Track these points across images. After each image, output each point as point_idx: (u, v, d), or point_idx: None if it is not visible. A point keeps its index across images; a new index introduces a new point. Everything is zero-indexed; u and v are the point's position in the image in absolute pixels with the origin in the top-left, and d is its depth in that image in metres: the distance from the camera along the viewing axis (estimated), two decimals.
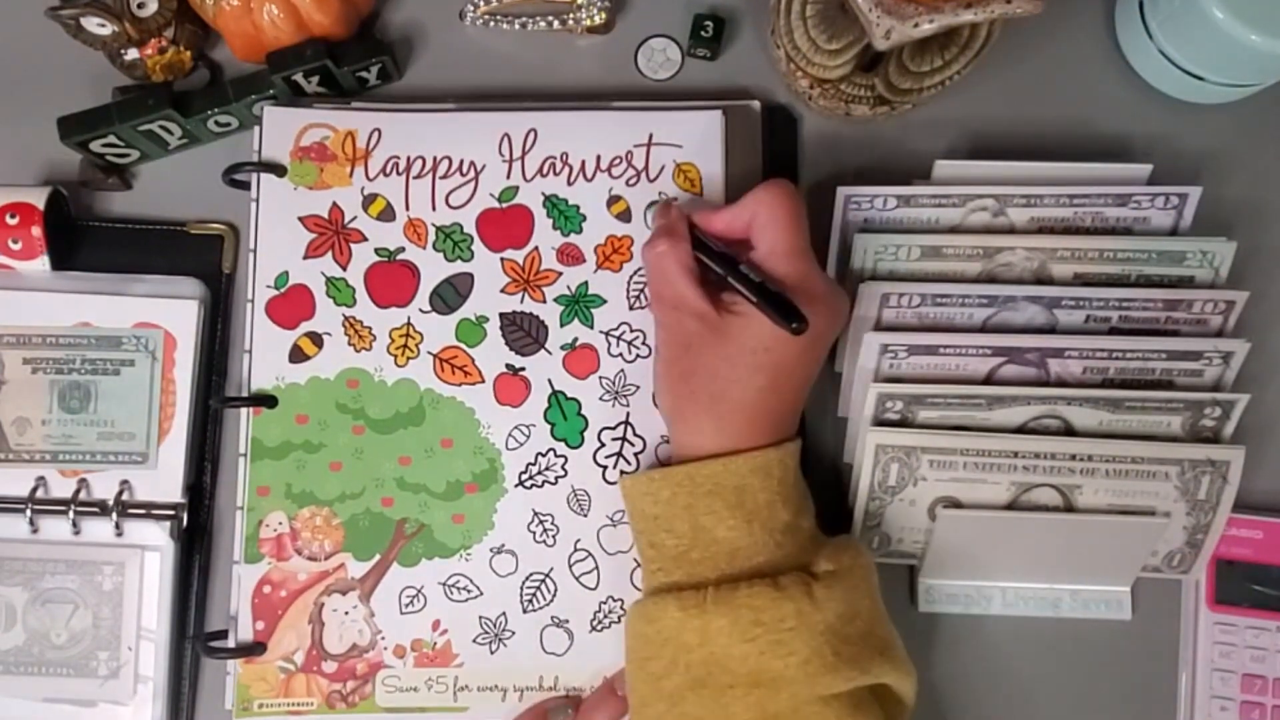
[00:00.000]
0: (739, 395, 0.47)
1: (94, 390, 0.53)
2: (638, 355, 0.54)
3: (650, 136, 0.56)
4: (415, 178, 0.56)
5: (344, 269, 0.55)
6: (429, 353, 0.54)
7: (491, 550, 0.53)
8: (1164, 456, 0.51)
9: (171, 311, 0.54)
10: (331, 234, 0.55)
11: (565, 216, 0.55)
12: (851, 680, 0.44)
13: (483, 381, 0.54)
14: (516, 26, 0.59)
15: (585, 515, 0.53)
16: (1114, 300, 0.51)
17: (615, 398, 0.54)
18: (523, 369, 0.54)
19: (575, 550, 0.53)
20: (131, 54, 0.56)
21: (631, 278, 0.55)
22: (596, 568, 0.53)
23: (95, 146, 0.55)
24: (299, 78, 0.55)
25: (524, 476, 0.54)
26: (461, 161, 0.56)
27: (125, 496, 0.53)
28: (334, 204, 0.55)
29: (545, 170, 0.56)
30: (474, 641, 0.52)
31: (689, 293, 0.48)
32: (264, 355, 0.54)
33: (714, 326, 0.48)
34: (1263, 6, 0.51)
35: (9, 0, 0.59)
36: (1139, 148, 0.58)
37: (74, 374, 0.53)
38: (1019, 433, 0.51)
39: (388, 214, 0.55)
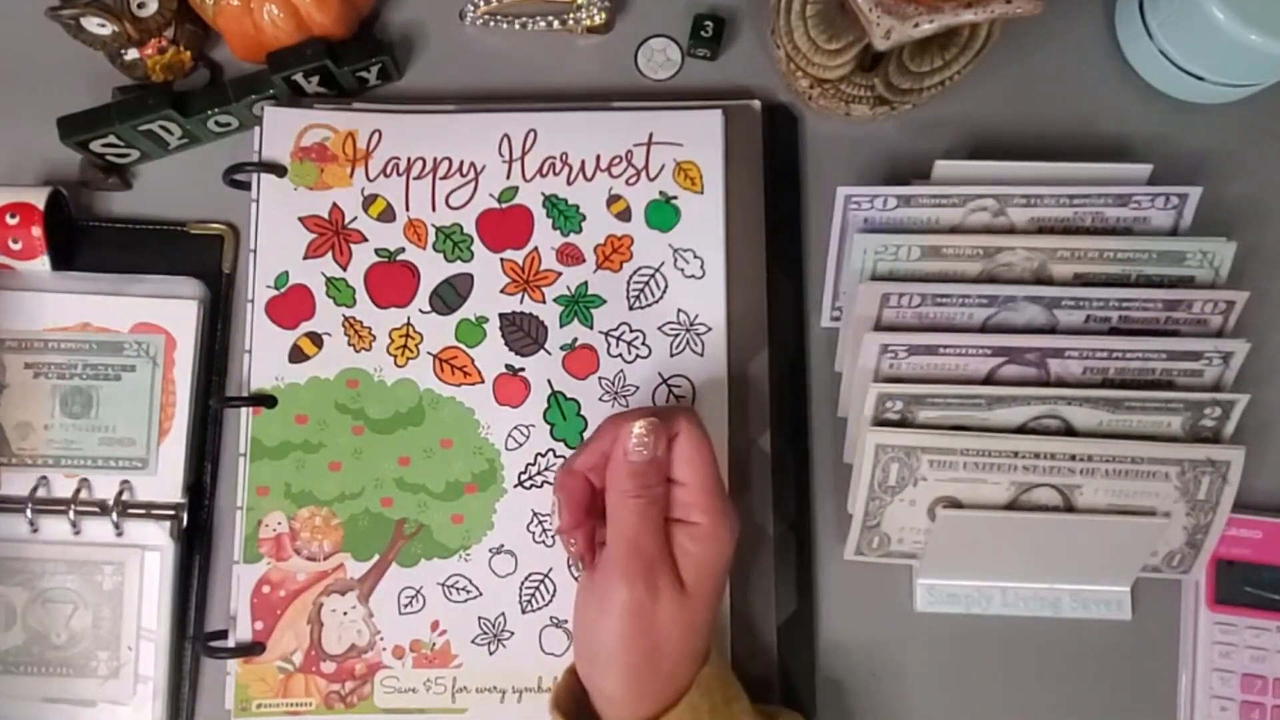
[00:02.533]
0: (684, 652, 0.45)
1: (95, 396, 0.53)
2: (637, 356, 0.54)
3: (650, 136, 0.56)
4: (415, 178, 0.56)
5: (344, 269, 0.55)
6: (429, 353, 0.54)
7: (491, 550, 0.53)
8: (1164, 456, 0.51)
9: (171, 312, 0.54)
10: (331, 234, 0.55)
11: (565, 216, 0.55)
12: None
13: (482, 382, 0.54)
14: (516, 26, 0.59)
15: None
16: (1114, 300, 0.51)
17: (615, 398, 0.54)
18: (522, 369, 0.54)
19: None
20: (131, 54, 0.56)
21: (631, 277, 0.55)
22: None
23: (95, 146, 0.55)
24: (299, 78, 0.55)
25: (523, 477, 0.54)
26: (461, 162, 0.56)
27: (125, 496, 0.53)
28: (334, 204, 0.55)
29: (545, 170, 0.56)
30: (473, 642, 0.52)
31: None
32: (264, 355, 0.54)
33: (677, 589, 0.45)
34: (1263, 6, 0.51)
35: (9, 0, 0.59)
36: (1139, 148, 0.58)
37: (75, 379, 0.53)
38: (1019, 433, 0.51)
39: (388, 214, 0.55)
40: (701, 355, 0.54)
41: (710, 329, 0.54)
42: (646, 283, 0.55)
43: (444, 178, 0.56)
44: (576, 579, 0.52)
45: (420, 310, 0.55)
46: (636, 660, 0.45)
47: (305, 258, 0.55)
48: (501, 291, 0.55)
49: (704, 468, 0.45)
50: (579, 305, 0.55)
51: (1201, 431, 0.52)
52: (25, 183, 0.57)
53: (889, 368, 0.51)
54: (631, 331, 0.54)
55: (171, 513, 0.53)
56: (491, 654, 0.52)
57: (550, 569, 0.53)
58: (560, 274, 0.55)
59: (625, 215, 0.55)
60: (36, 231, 0.54)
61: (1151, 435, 0.51)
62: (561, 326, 0.55)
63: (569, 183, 0.56)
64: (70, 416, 0.53)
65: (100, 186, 0.57)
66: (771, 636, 0.53)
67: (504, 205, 0.56)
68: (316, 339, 0.54)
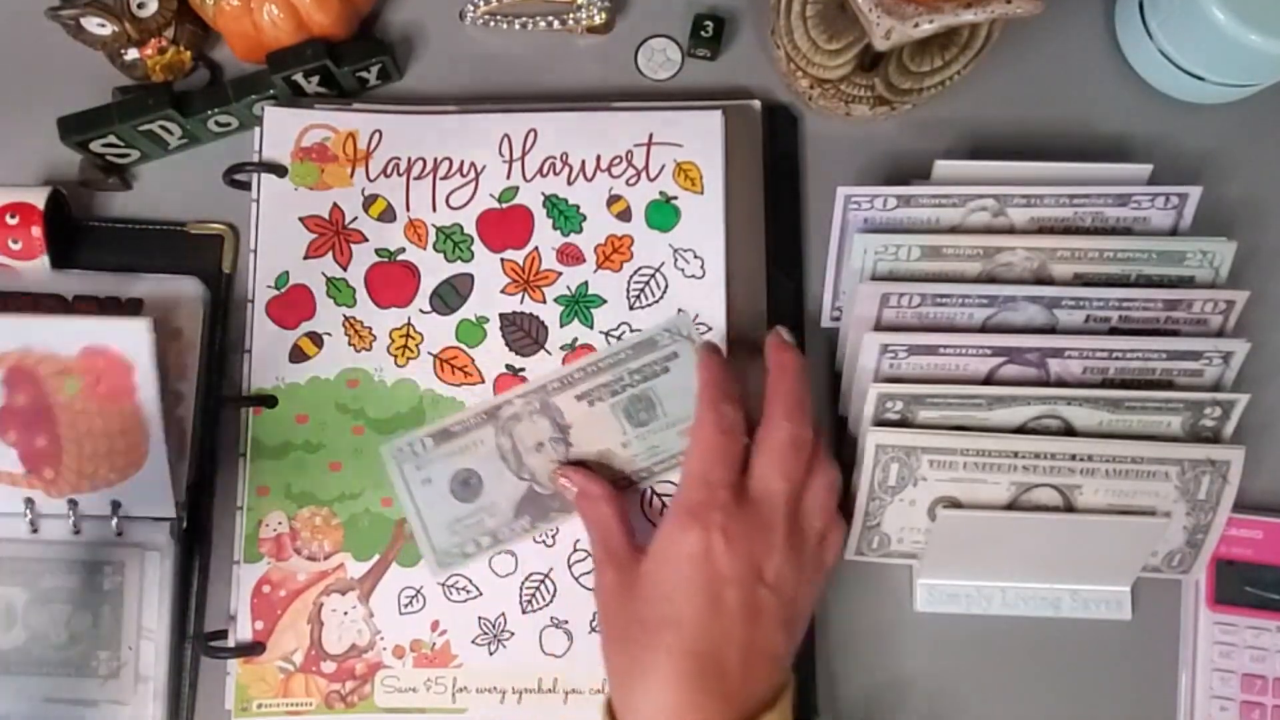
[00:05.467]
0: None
1: (654, 396, 0.53)
2: None
3: (650, 136, 0.56)
4: (416, 179, 0.56)
5: (344, 269, 0.55)
6: (429, 353, 0.54)
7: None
8: (1164, 456, 0.51)
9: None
10: (332, 234, 0.55)
11: (565, 216, 0.55)
12: None
13: (483, 382, 0.54)
14: (516, 26, 0.59)
15: None
16: (1114, 300, 0.51)
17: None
18: (522, 369, 0.54)
19: (575, 551, 0.53)
20: (131, 54, 0.56)
21: (631, 277, 0.55)
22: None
23: (95, 146, 0.55)
24: (299, 78, 0.55)
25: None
26: (462, 162, 0.56)
27: None
28: (335, 205, 0.55)
29: (545, 170, 0.56)
30: (473, 642, 0.52)
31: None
32: (264, 355, 0.54)
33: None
34: (1263, 6, 0.51)
35: (9, 0, 0.59)
36: (1139, 148, 0.58)
37: (629, 390, 0.53)
38: (1019, 433, 0.51)
39: (388, 215, 0.55)
40: None
41: (710, 329, 0.54)
42: (647, 283, 0.55)
43: (444, 178, 0.56)
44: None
45: (420, 310, 0.55)
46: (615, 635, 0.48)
47: (306, 258, 0.55)
48: (502, 291, 0.55)
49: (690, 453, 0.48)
50: (579, 305, 0.55)
51: (1201, 431, 0.52)
52: (25, 183, 0.57)
53: (889, 368, 0.51)
54: (632, 331, 0.54)
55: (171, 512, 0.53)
56: (491, 654, 0.52)
57: (550, 569, 0.53)
58: (560, 274, 0.55)
59: (625, 215, 0.55)
60: (36, 231, 0.54)
61: (1151, 435, 0.51)
62: (562, 326, 0.55)
63: (569, 183, 0.56)
64: (639, 425, 0.53)
65: (100, 186, 0.57)
66: None
67: (504, 205, 0.56)
68: (317, 339, 0.54)
